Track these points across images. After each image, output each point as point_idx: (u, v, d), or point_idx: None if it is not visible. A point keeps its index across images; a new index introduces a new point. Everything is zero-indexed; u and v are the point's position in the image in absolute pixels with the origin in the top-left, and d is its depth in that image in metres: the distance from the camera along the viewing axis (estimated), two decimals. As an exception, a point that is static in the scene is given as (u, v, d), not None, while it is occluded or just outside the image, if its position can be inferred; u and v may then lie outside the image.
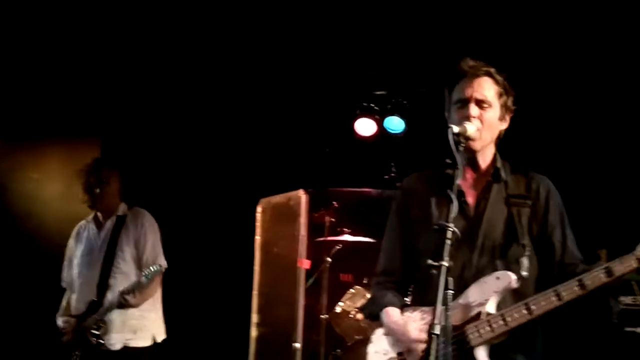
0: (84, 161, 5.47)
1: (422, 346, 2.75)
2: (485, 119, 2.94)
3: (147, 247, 5.21)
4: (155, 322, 5.27)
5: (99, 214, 5.39)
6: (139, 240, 5.22)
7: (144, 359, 5.17)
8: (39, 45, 6.35)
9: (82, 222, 5.49)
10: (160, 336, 5.26)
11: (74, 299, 5.26)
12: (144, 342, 5.13)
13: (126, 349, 5.03)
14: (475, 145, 2.94)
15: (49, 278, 5.72)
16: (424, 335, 2.76)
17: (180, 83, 7.01)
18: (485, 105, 2.94)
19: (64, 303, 5.39)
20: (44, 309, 5.64)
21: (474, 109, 2.92)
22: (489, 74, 2.99)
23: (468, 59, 3.04)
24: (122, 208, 5.37)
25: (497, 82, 3.00)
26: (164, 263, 5.16)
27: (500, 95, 3.00)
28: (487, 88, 2.96)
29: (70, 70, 6.78)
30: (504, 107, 3.02)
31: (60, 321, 5.25)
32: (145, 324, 5.17)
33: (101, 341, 4.94)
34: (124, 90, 7.12)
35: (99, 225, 5.37)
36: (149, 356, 5.19)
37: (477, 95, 2.94)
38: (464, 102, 2.95)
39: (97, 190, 5.24)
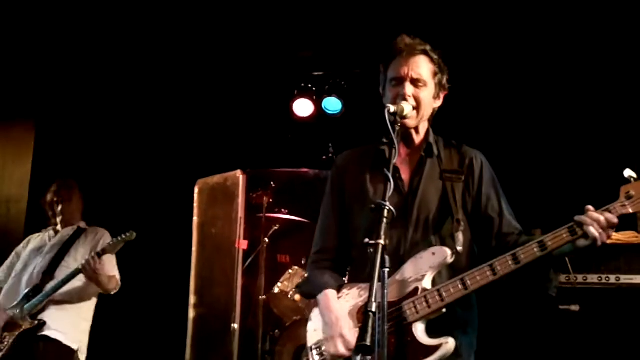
0: (17, 144, 5.36)
1: (341, 346, 2.77)
2: (420, 97, 2.96)
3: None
4: (84, 334, 5.20)
5: (58, 227, 5.40)
6: (95, 247, 5.20)
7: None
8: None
9: (37, 234, 5.48)
10: (83, 353, 5.16)
11: (5, 290, 5.21)
12: (73, 344, 5.06)
13: (59, 343, 4.97)
14: (410, 123, 2.97)
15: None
16: (349, 339, 2.76)
17: (115, 64, 6.87)
18: (420, 84, 2.96)
19: None
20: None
21: (409, 88, 2.94)
22: (425, 52, 3.00)
23: (404, 36, 3.04)
24: (83, 224, 5.45)
25: (432, 60, 3.01)
26: (117, 275, 5.19)
27: (435, 74, 3.02)
28: (422, 67, 2.98)
29: (1, 53, 6.58)
30: (439, 85, 3.04)
31: None
32: (77, 325, 5.14)
33: (41, 321, 4.90)
34: (57, 72, 6.95)
35: (56, 232, 5.39)
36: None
37: (413, 74, 2.95)
38: (399, 81, 2.95)
39: (59, 208, 5.34)
